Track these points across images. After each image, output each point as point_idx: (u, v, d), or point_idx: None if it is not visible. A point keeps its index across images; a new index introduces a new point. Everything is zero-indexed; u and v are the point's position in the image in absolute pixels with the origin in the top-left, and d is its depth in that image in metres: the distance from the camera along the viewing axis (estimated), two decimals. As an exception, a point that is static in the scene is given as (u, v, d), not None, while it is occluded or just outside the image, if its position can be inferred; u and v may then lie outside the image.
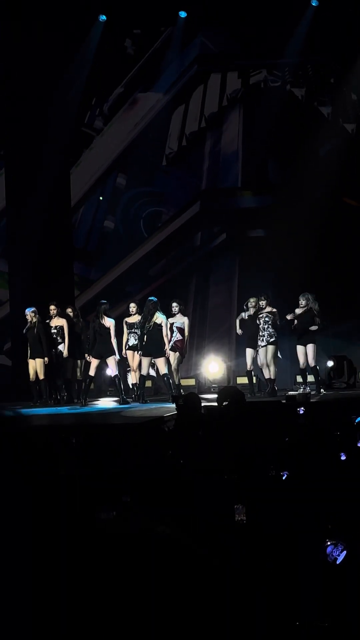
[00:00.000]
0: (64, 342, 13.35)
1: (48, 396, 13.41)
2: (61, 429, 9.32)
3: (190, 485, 4.07)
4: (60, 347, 13.36)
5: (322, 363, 14.05)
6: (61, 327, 13.39)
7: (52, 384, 13.59)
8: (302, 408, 8.06)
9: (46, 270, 15.70)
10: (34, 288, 15.37)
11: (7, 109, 16.13)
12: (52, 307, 13.48)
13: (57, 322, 13.45)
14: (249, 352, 13.54)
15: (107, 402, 13.77)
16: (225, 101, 17.23)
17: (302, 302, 13.14)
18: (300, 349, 13.16)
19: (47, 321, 13.44)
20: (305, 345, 13.09)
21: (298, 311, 13.08)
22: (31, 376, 13.38)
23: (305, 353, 13.09)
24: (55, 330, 13.41)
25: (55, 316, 13.46)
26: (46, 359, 13.19)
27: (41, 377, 13.29)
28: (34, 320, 13.22)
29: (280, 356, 13.32)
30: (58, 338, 13.37)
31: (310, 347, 13.07)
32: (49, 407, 12.88)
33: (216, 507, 3.71)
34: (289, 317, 13.02)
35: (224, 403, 6.53)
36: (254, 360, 13.53)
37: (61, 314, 13.55)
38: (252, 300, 13.57)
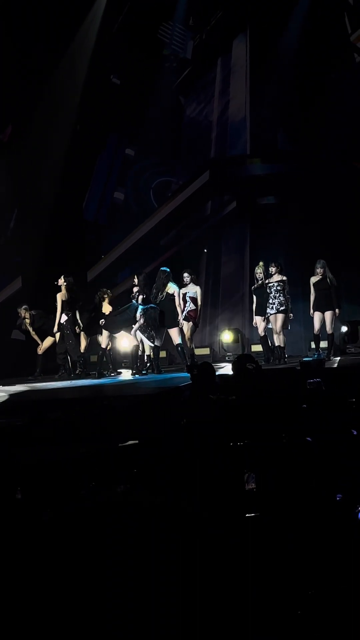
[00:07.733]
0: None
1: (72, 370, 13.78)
2: (78, 402, 9.35)
3: (202, 453, 4.08)
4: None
5: (336, 329, 13.99)
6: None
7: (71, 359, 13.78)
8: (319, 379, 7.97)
9: (58, 244, 15.73)
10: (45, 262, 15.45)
11: (15, 78, 16.01)
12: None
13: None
14: (259, 319, 13.48)
15: (122, 374, 13.80)
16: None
17: (319, 268, 13.00)
18: (317, 315, 13.03)
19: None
20: (323, 312, 13.00)
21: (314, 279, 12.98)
22: (40, 350, 14.13)
23: (322, 320, 13.00)
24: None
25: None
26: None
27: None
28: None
29: (289, 327, 13.20)
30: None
31: (328, 314, 12.97)
32: (66, 380, 13.00)
33: (228, 475, 3.72)
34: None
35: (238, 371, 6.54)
36: (265, 327, 13.46)
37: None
38: (258, 269, 13.43)
